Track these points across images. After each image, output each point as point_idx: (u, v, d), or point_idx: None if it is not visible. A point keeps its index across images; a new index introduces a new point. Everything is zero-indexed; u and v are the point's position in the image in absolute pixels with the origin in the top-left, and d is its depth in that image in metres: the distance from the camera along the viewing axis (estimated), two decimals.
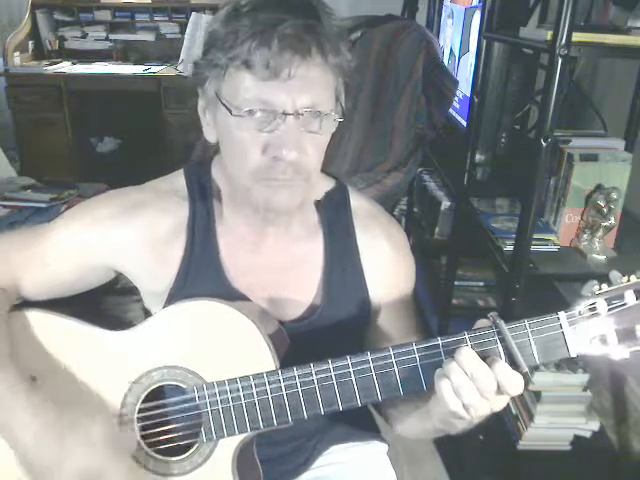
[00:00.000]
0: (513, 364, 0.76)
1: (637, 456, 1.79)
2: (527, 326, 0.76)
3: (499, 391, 0.75)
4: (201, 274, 0.96)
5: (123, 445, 0.86)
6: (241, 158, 0.86)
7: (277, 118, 0.82)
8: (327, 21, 0.83)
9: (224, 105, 0.85)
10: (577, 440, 1.78)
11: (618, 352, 0.75)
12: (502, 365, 0.75)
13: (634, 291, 0.74)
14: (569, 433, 1.78)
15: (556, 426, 1.76)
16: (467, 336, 0.78)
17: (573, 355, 0.76)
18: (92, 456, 0.82)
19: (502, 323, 0.76)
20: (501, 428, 1.83)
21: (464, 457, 1.90)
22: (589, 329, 0.75)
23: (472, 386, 0.74)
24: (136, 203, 0.97)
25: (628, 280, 0.75)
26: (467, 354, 0.75)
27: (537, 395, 1.75)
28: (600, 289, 0.76)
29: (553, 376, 1.72)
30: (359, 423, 1.12)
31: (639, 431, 1.79)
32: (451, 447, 2.00)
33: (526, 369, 0.76)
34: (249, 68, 0.80)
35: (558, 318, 0.76)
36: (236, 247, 0.98)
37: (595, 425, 1.77)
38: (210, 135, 0.93)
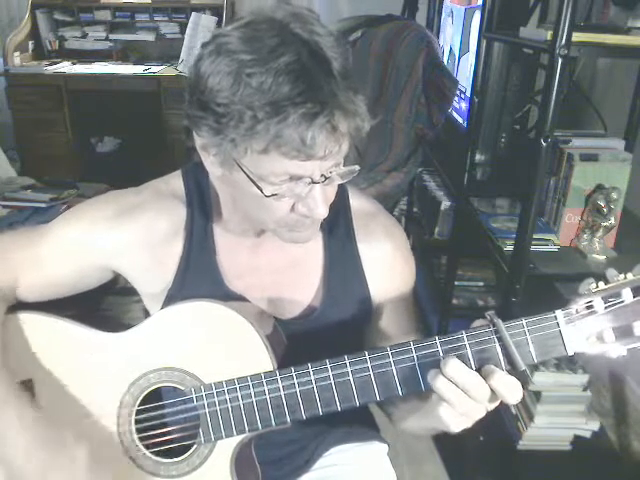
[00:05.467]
0: (511, 363, 0.76)
1: (637, 456, 1.79)
2: (524, 324, 0.76)
3: (494, 397, 0.75)
4: (199, 275, 0.96)
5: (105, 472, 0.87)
6: (265, 212, 0.84)
7: (305, 186, 0.80)
8: (345, 81, 0.75)
9: (249, 177, 0.79)
10: (577, 440, 1.78)
11: (615, 350, 0.75)
12: (500, 375, 0.75)
13: (631, 289, 0.74)
14: (569, 433, 1.78)
15: (556, 426, 1.76)
16: (465, 335, 0.78)
17: (570, 353, 0.76)
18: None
19: (499, 322, 0.76)
20: (501, 428, 1.83)
21: (464, 457, 1.91)
22: (586, 327, 0.75)
23: (465, 397, 0.74)
24: (134, 205, 0.96)
25: (625, 278, 0.75)
26: (454, 366, 0.75)
27: (537, 395, 1.75)
28: (597, 287, 0.75)
29: (553, 376, 1.72)
30: (359, 424, 1.12)
31: (639, 431, 1.79)
32: (451, 447, 2.00)
33: (524, 367, 0.75)
34: (277, 149, 0.74)
35: (555, 317, 0.76)
36: (234, 248, 0.98)
37: (595, 425, 1.77)
38: (216, 170, 0.85)
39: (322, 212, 0.82)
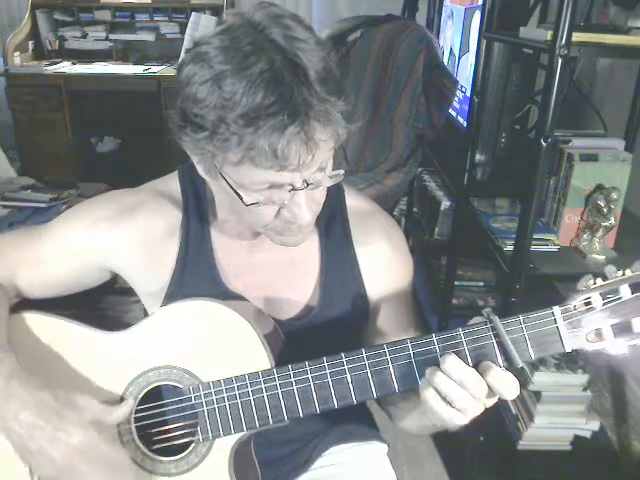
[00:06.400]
0: (508, 360, 0.76)
1: (637, 456, 1.79)
2: (521, 321, 0.76)
3: (492, 393, 0.75)
4: (196, 275, 0.96)
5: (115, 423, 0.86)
6: (252, 217, 0.84)
7: (287, 192, 0.79)
8: (323, 87, 0.73)
9: (230, 186, 0.80)
10: (577, 440, 1.78)
11: (614, 346, 0.75)
12: (496, 372, 0.75)
13: (629, 285, 0.73)
14: (569, 433, 1.78)
15: (556, 426, 1.76)
16: (461, 332, 0.78)
17: (568, 350, 0.75)
18: (86, 432, 0.81)
19: (496, 319, 0.76)
20: (501, 428, 1.83)
21: (464, 457, 1.90)
22: (584, 324, 0.75)
23: (464, 392, 0.74)
24: (131, 205, 0.97)
25: (623, 274, 0.74)
26: (452, 362, 0.75)
27: (537, 395, 1.74)
28: (595, 283, 0.75)
29: (553, 376, 1.71)
30: (359, 423, 1.12)
31: (639, 431, 1.79)
32: (451, 447, 2.00)
33: (521, 364, 0.75)
34: (251, 161, 0.74)
35: (552, 313, 0.75)
36: (231, 247, 0.98)
37: (595, 425, 1.77)
38: (204, 176, 0.86)
39: (306, 218, 0.81)
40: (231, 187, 0.80)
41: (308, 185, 0.79)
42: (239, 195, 0.79)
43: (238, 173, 0.77)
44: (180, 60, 0.79)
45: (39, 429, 0.81)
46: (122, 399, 0.90)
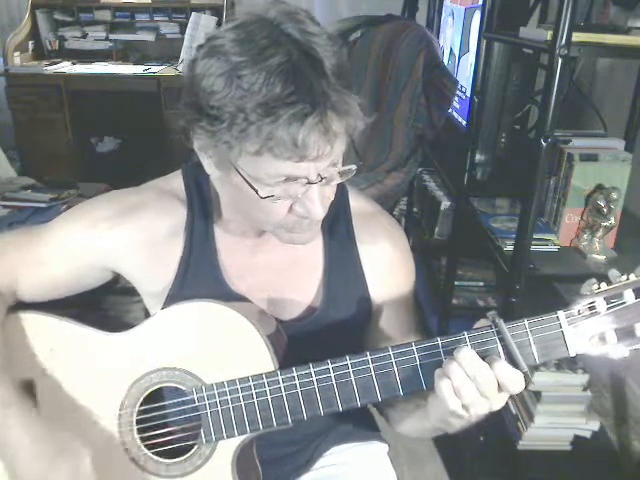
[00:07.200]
0: (513, 363, 0.76)
1: (637, 456, 1.79)
2: (526, 325, 0.76)
3: (499, 389, 0.75)
4: (199, 275, 0.96)
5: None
6: (263, 214, 0.84)
7: (302, 186, 0.79)
8: (338, 80, 0.75)
9: (245, 179, 0.80)
10: (577, 440, 1.78)
11: (617, 351, 0.75)
12: (502, 364, 0.75)
13: (633, 290, 0.74)
14: (569, 433, 1.78)
15: (556, 426, 1.76)
16: (467, 336, 0.78)
17: (572, 354, 0.76)
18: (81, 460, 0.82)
19: (501, 322, 0.76)
20: (501, 428, 1.83)
21: (464, 457, 1.90)
22: (588, 328, 0.75)
23: (472, 386, 0.74)
24: (134, 205, 0.97)
25: (627, 279, 0.75)
26: (467, 354, 0.75)
27: (537, 395, 1.74)
28: (599, 288, 0.76)
29: (553, 376, 1.71)
30: (359, 423, 1.12)
31: (639, 431, 1.80)
32: (451, 447, 2.00)
33: (526, 369, 0.76)
34: (269, 151, 0.74)
35: (557, 317, 0.76)
36: (235, 248, 0.98)
37: (595, 425, 1.77)
38: (213, 172, 0.86)
39: (319, 212, 0.82)
40: (246, 181, 0.80)
41: (322, 179, 0.79)
42: (254, 188, 0.79)
43: (254, 165, 0.77)
44: (192, 56, 0.79)
45: (33, 471, 0.82)
46: (123, 402, 0.90)
